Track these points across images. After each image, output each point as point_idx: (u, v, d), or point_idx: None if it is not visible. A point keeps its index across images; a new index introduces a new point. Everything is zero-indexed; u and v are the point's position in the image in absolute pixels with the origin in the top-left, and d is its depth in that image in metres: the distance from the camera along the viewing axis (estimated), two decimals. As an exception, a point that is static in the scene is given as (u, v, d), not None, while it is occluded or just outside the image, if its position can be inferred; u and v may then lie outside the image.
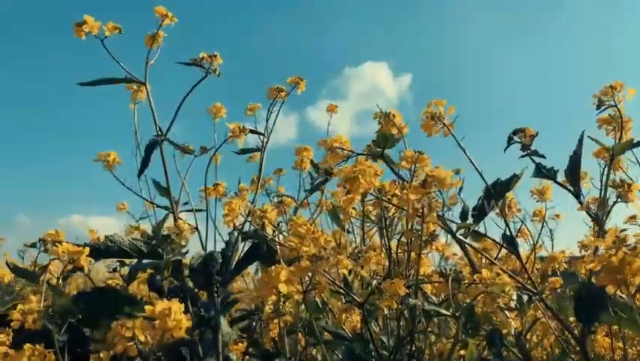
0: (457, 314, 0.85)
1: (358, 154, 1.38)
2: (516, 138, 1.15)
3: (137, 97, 1.57)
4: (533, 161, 1.20)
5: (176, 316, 0.73)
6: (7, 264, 1.40)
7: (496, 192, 1.14)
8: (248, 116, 1.75)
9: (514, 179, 1.19)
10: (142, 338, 0.76)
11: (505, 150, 1.17)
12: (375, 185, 0.94)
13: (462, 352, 0.96)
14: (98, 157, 1.51)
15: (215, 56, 1.36)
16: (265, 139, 1.58)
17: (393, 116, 1.34)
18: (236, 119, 1.59)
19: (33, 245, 1.66)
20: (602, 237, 1.20)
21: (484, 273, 0.87)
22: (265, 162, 1.59)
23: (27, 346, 0.87)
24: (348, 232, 1.65)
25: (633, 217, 1.60)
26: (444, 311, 0.90)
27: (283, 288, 0.93)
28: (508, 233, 1.15)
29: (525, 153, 1.15)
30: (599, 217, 1.22)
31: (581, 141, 1.23)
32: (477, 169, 1.14)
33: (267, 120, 1.60)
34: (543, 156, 1.17)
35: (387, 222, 1.23)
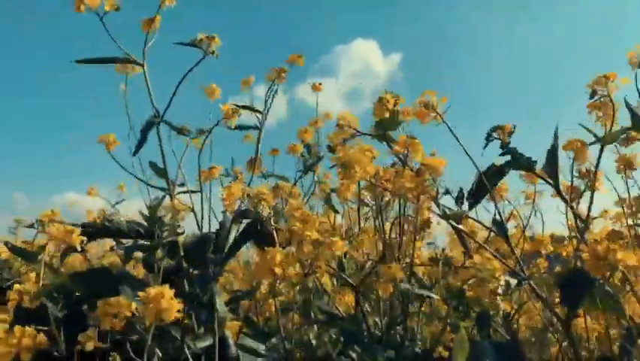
0: (447, 298, 0.87)
1: (363, 133, 1.39)
2: (495, 135, 1.17)
3: (126, 75, 1.55)
4: (513, 157, 1.21)
5: (168, 300, 0.75)
6: (5, 244, 1.42)
7: (490, 178, 1.15)
8: (243, 92, 1.74)
9: (506, 167, 1.21)
10: (128, 314, 0.79)
11: (484, 147, 1.19)
12: (371, 173, 0.95)
13: (452, 335, 0.99)
14: (100, 139, 1.51)
15: (214, 37, 1.35)
16: (263, 118, 1.58)
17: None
18: (230, 96, 1.60)
19: (31, 226, 1.68)
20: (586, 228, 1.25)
21: (476, 258, 0.89)
22: (262, 141, 1.59)
23: (17, 328, 0.89)
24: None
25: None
26: (434, 296, 0.92)
27: (280, 271, 0.95)
28: (498, 218, 1.17)
29: (504, 151, 1.17)
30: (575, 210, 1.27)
31: (556, 134, 1.24)
32: (469, 156, 1.15)
33: (266, 101, 1.60)
34: (521, 155, 1.19)
35: (382, 207, 1.25)
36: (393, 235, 1.28)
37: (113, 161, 1.53)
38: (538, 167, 1.25)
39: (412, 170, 1.03)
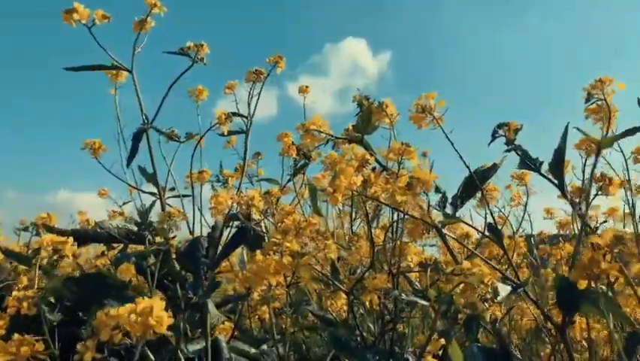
0: (435, 305, 0.88)
1: (336, 138, 1.38)
2: (500, 132, 1.16)
3: (116, 82, 1.55)
4: (517, 154, 1.21)
5: (158, 313, 0.73)
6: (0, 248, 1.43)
7: (475, 182, 1.15)
8: (226, 94, 1.72)
9: (492, 169, 1.21)
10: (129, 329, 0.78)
11: (489, 144, 1.18)
12: (358, 184, 0.95)
13: (442, 341, 1.00)
14: (84, 145, 1.51)
15: (202, 45, 1.37)
16: (248, 122, 1.57)
17: (386, 106, 1.33)
18: (217, 97, 1.59)
19: (25, 229, 1.69)
20: (584, 228, 1.24)
21: (465, 264, 0.89)
22: (249, 145, 1.59)
23: (16, 336, 0.89)
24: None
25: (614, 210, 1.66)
26: (423, 302, 0.92)
27: (273, 280, 0.96)
28: (492, 223, 1.16)
29: (509, 147, 1.17)
30: (579, 209, 1.24)
31: (565, 134, 1.23)
32: (465, 162, 1.14)
33: (249, 104, 1.58)
34: (526, 152, 1.18)
35: (371, 215, 1.25)
36: (384, 241, 1.28)
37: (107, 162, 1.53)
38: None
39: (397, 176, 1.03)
